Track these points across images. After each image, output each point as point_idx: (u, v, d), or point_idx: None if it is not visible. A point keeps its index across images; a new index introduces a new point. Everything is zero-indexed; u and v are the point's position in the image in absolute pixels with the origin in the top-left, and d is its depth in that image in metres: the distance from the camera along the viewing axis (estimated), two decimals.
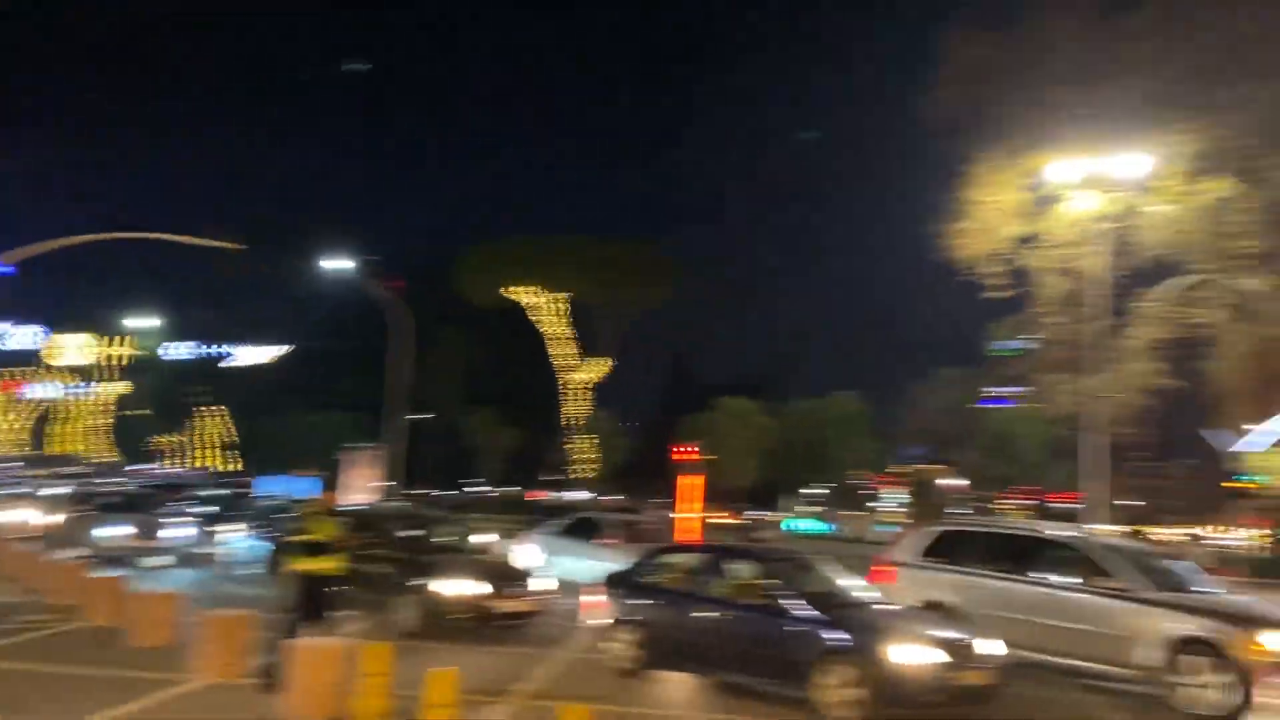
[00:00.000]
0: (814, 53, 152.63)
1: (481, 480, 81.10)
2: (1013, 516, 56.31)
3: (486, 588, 14.39)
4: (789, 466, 72.85)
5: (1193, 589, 13.16)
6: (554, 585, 16.16)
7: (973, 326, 45.52)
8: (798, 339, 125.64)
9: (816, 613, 10.97)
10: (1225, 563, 30.73)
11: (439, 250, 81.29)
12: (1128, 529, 53.58)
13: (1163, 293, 29.37)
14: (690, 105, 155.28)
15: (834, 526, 65.78)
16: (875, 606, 11.78)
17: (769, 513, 71.07)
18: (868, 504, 75.34)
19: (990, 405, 68.04)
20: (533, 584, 15.40)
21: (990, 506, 64.45)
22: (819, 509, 73.76)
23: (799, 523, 68.21)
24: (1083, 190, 27.36)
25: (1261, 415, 27.47)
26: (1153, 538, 54.45)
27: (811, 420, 72.37)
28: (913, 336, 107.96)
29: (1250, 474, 27.15)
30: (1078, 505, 28.99)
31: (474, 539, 18.42)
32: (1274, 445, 27.54)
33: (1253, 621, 11.95)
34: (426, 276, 72.68)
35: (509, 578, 15.18)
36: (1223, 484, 27.55)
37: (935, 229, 30.12)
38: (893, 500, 74.68)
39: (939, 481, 71.63)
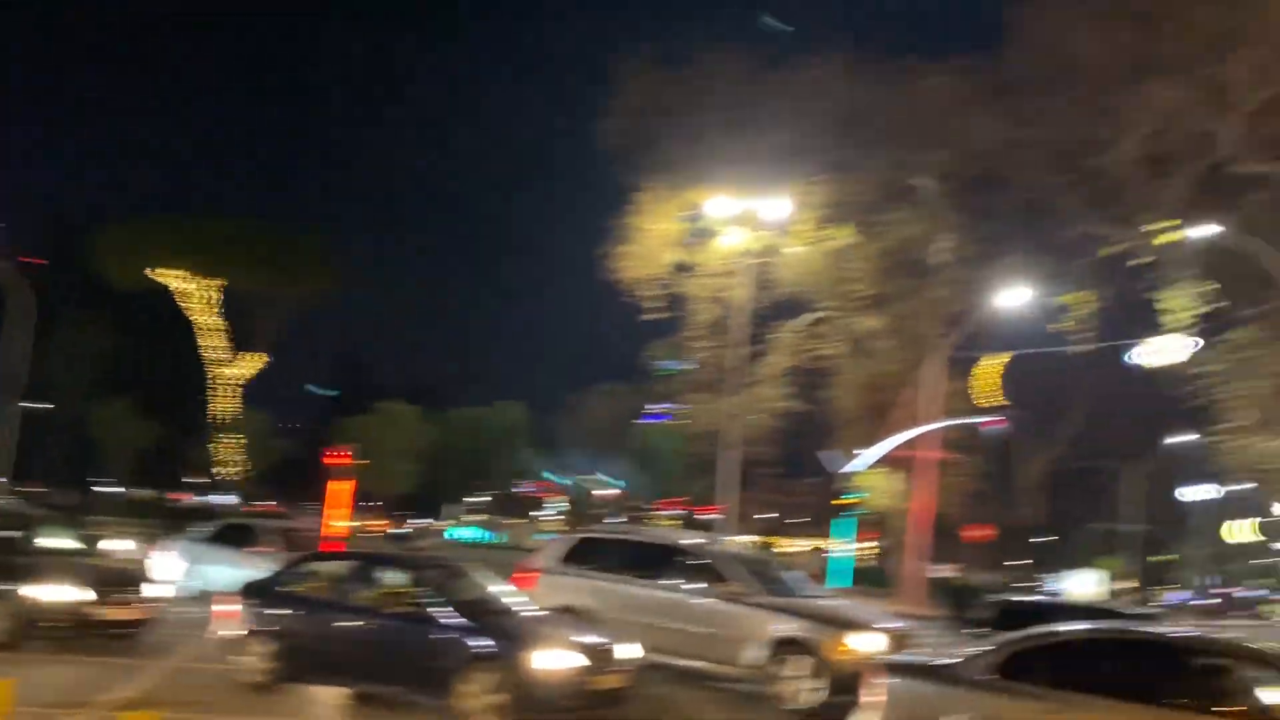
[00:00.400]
0: (498, 60, 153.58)
1: (113, 480, 73.72)
2: (662, 526, 59.37)
3: (89, 594, 13.16)
4: (452, 474, 72.54)
5: (801, 595, 14.37)
6: (172, 593, 15.08)
7: (634, 344, 47.68)
8: (471, 346, 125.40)
9: (463, 620, 10.94)
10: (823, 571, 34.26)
11: (77, 225, 73.10)
12: (758, 540, 58.36)
13: (794, 326, 32.56)
14: (372, 105, 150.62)
15: (498, 535, 66.16)
16: (523, 613, 11.86)
17: (432, 520, 70.22)
18: (530, 513, 76.46)
19: (650, 420, 71.42)
20: (148, 591, 14.27)
21: (642, 516, 67.60)
22: (483, 517, 73.94)
23: (462, 530, 67.96)
24: (734, 226, 29.70)
25: (870, 440, 31.20)
26: (780, 548, 59.67)
27: (476, 428, 72.60)
28: (579, 350, 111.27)
29: (855, 492, 30.83)
30: (718, 517, 31.13)
31: (107, 544, 16.76)
32: (874, 467, 31.37)
33: (843, 623, 13.24)
34: (58, 251, 65.22)
35: (118, 583, 13.96)
36: (833, 501, 31.05)
37: (604, 249, 31.51)
38: (554, 509, 76.30)
39: (595, 491, 74.21)
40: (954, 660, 8.24)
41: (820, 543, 58.09)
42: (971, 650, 8.27)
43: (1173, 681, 7.17)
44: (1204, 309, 27.16)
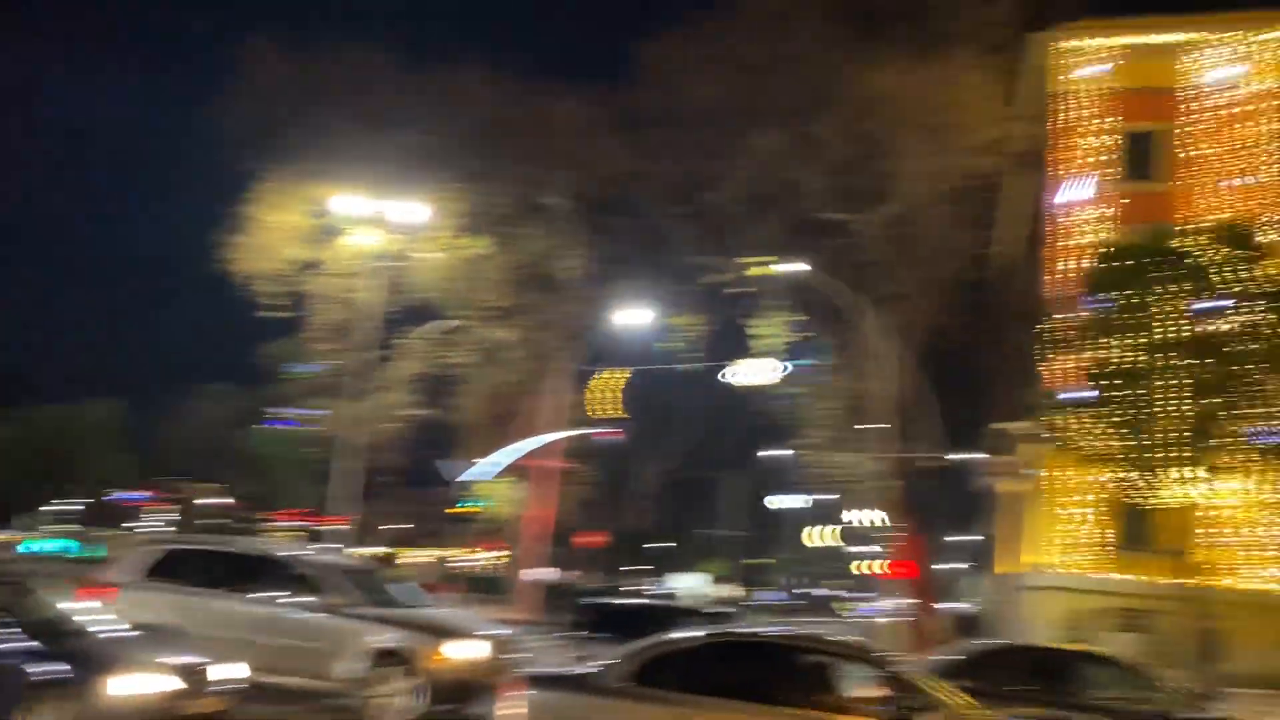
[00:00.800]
0: (94, 30, 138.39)
1: None
2: (270, 537, 56.42)
3: None
4: (31, 479, 64.23)
5: (407, 605, 14.11)
6: None
7: (249, 343, 44.71)
8: (52, 339, 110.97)
9: (26, 643, 9.74)
10: (448, 580, 34.40)
11: None
12: (386, 550, 57.18)
13: (425, 333, 32.36)
14: None
15: (94, 547, 59.47)
16: (104, 634, 10.71)
17: (5, 531, 61.90)
18: (126, 523, 69.58)
19: (275, 425, 67.55)
20: None
21: (256, 527, 63.84)
22: (71, 528, 66.24)
23: (42, 543, 60.52)
24: (365, 227, 28.99)
25: (493, 448, 31.67)
26: (406, 558, 58.78)
27: (60, 428, 64.67)
28: (184, 347, 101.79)
29: (475, 500, 31.10)
30: (340, 527, 30.14)
31: None
32: (496, 475, 31.91)
33: (442, 632, 13.18)
34: None
35: None
36: (447, 510, 31.11)
37: (217, 239, 29.53)
38: (159, 519, 70.13)
39: (201, 500, 69.10)
40: (592, 669, 8.41)
41: (446, 552, 58.07)
42: (610, 658, 8.48)
43: (790, 679, 7.80)
44: (791, 337, 30.46)
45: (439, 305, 32.10)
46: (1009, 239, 32.25)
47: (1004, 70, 27.43)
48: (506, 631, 14.89)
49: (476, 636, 13.55)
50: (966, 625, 37.81)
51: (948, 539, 63.70)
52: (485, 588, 34.45)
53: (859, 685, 7.95)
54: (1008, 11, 26.78)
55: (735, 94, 27.65)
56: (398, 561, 51.89)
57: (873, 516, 39.57)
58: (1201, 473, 18.60)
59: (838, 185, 27.67)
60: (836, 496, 45.90)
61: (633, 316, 32.51)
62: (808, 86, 26.66)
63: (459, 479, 31.05)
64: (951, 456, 31.36)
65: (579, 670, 8.64)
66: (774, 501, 66.44)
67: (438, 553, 59.14)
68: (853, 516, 53.01)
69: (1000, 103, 27.26)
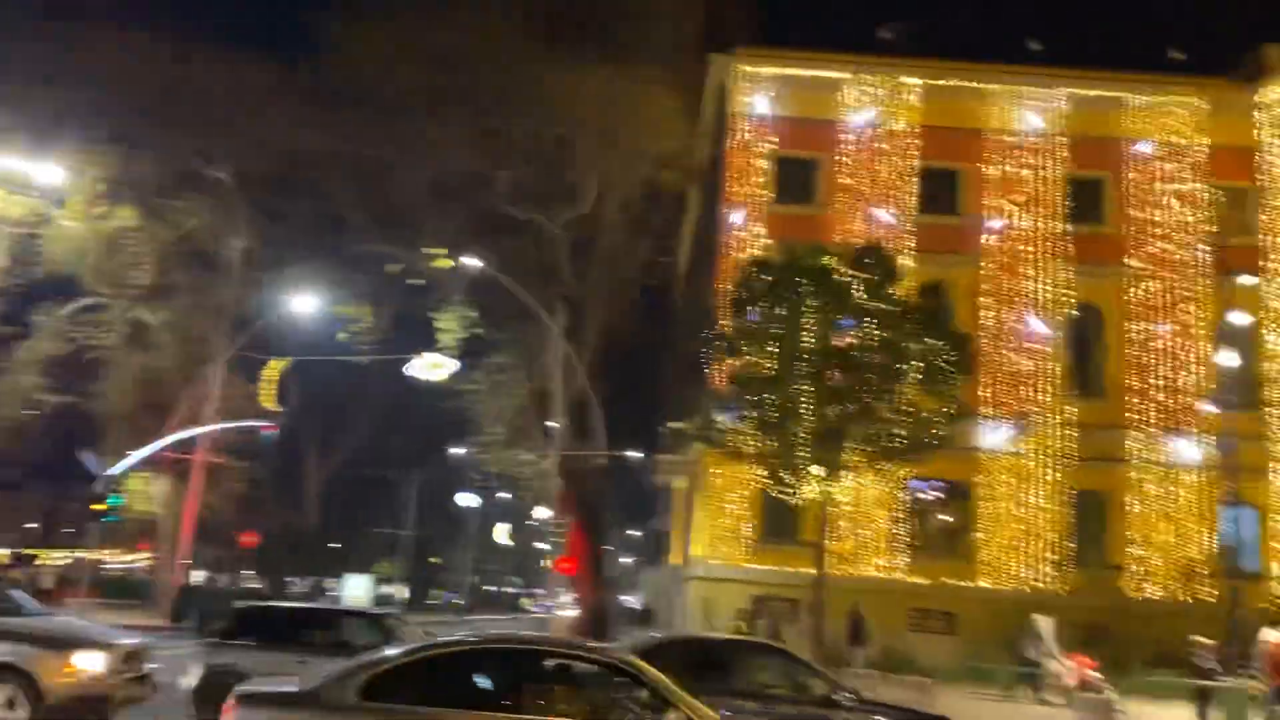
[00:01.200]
0: None
1: None
2: None
3: None
4: None
5: (23, 614, 12.91)
6: None
7: None
8: None
9: None
10: (79, 584, 31.19)
11: None
12: (10, 551, 51.02)
13: (62, 310, 29.10)
14: None
15: None
16: None
17: None
18: None
19: None
20: None
21: None
22: None
23: None
24: None
25: (143, 441, 28.94)
26: (43, 560, 52.74)
27: None
28: None
29: (118, 497, 28.28)
30: None
31: None
32: (142, 470, 29.23)
33: (61, 643, 12.07)
34: None
35: None
36: (90, 506, 28.04)
37: None
38: None
39: None
40: (313, 685, 7.79)
41: (85, 553, 52.84)
42: (332, 672, 7.89)
43: (529, 685, 7.50)
44: (471, 332, 30.17)
45: (79, 280, 28.94)
46: (685, 248, 33.92)
47: (688, 88, 28.69)
48: (135, 640, 13.76)
49: (99, 646, 12.44)
50: (639, 617, 39.37)
51: (627, 533, 65.92)
52: (123, 592, 31.50)
53: (600, 688, 7.97)
54: (691, 31, 28.04)
55: (424, 82, 27.03)
56: (36, 563, 46.63)
57: (550, 513, 40.29)
58: (830, 471, 20.25)
59: (524, 183, 27.80)
60: (519, 494, 46.18)
61: (303, 304, 30.77)
62: (496, 83, 26.57)
63: (102, 473, 27.97)
64: (626, 453, 32.36)
65: (300, 686, 8.02)
66: (457, 499, 66.02)
67: (76, 554, 53.75)
68: (538, 513, 53.78)
69: (682, 118, 28.48)
